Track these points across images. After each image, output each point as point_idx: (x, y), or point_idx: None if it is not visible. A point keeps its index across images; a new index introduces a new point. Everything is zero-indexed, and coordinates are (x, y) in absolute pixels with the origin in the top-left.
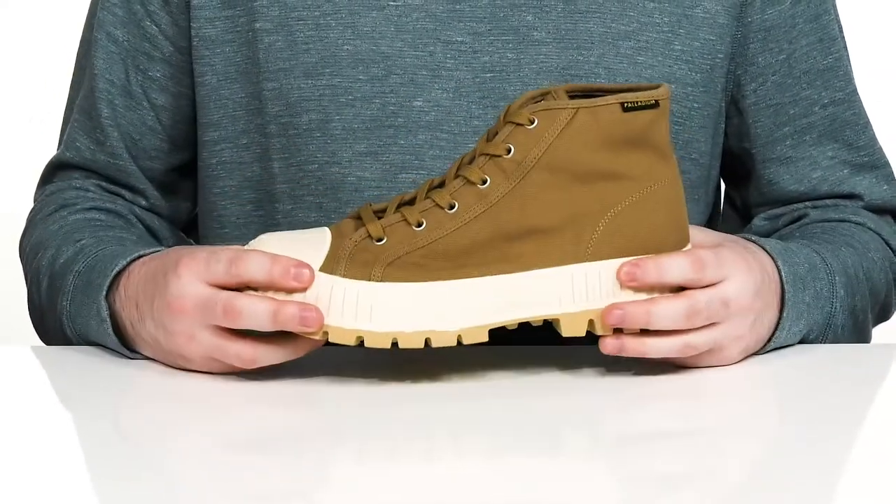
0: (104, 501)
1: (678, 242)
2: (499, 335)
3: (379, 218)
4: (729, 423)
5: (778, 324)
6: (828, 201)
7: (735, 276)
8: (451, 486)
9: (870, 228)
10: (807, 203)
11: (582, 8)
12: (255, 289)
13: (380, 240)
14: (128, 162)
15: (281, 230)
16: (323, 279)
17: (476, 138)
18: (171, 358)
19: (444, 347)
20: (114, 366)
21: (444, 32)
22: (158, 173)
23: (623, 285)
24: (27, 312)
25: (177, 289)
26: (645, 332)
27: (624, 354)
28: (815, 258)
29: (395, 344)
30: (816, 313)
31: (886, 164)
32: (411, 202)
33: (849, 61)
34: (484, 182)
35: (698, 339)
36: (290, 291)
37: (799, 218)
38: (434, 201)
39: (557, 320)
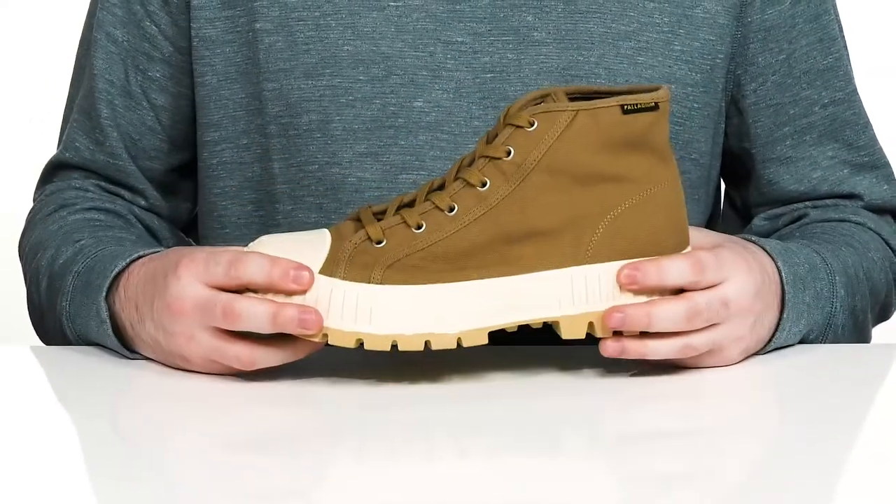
0: (103, 501)
1: (678, 244)
2: (499, 337)
3: (378, 220)
4: (729, 423)
5: (778, 324)
6: (828, 201)
7: (735, 278)
8: (450, 487)
9: (870, 228)
10: (807, 203)
11: (582, 8)
12: (255, 291)
13: (379, 242)
14: (127, 162)
15: (281, 231)
16: (322, 281)
17: (476, 139)
18: (171, 359)
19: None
20: (113, 366)
21: (445, 33)
22: (158, 173)
23: (623, 288)
24: (27, 312)
25: (176, 290)
26: (645, 334)
27: (624, 357)
28: (816, 258)
29: (394, 346)
30: (817, 313)
31: (886, 164)
32: (411, 204)
33: (849, 61)
34: (484, 184)
35: (698, 341)
36: (290, 294)
37: (799, 218)
38: (434, 203)
39: (557, 323)
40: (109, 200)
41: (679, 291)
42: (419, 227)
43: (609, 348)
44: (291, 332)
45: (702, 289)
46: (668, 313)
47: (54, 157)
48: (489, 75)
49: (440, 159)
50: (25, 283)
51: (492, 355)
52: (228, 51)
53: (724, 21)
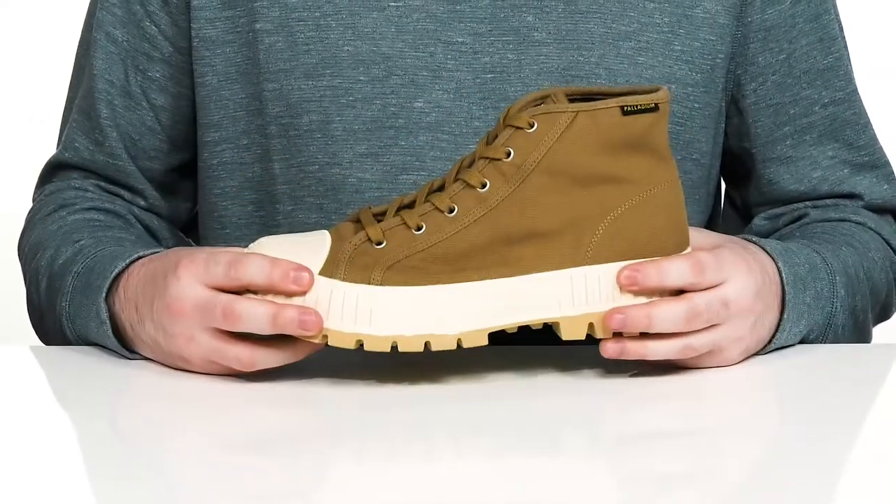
0: (102, 501)
1: (678, 245)
2: (499, 338)
3: (378, 221)
4: (729, 423)
5: (778, 325)
6: (828, 201)
7: (735, 278)
8: (450, 487)
9: (870, 228)
10: (807, 203)
11: (582, 8)
12: (255, 292)
13: (379, 243)
14: (127, 162)
15: (281, 231)
16: (322, 283)
17: (477, 139)
18: (171, 359)
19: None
20: (112, 366)
21: (445, 33)
22: (157, 173)
23: (623, 289)
24: (26, 312)
25: (176, 291)
26: (645, 335)
27: (624, 357)
28: (816, 258)
29: (394, 348)
30: (817, 314)
31: (887, 164)
32: (411, 205)
33: (849, 61)
34: (483, 186)
35: (698, 341)
36: (290, 295)
37: (799, 218)
38: (434, 205)
39: (557, 324)
40: (109, 200)
41: (679, 292)
42: (419, 229)
43: (609, 349)
44: (291, 333)
45: (702, 290)
46: (668, 314)
47: (53, 157)
48: (489, 76)
49: (440, 160)
50: (25, 283)
51: (492, 355)
52: (229, 51)
53: (725, 21)
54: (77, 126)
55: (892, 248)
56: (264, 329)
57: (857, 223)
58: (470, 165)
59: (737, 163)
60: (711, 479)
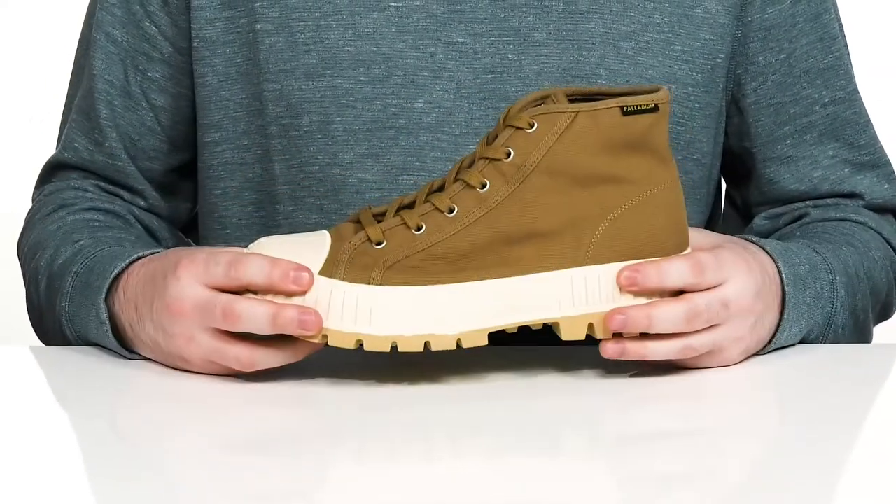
0: (102, 501)
1: (678, 246)
2: (498, 338)
3: (378, 221)
4: (729, 423)
5: (778, 325)
6: (828, 200)
7: (735, 278)
8: (450, 487)
9: (870, 227)
10: (807, 202)
11: (583, 8)
12: (255, 292)
13: (379, 243)
14: (126, 162)
15: (282, 231)
16: (322, 283)
17: (477, 139)
18: (171, 360)
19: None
20: (112, 366)
21: (445, 33)
22: (157, 174)
23: (623, 289)
24: (26, 312)
25: (176, 291)
26: (645, 336)
27: (624, 358)
28: (816, 258)
29: (394, 348)
30: (817, 314)
31: (887, 163)
32: (411, 205)
33: (849, 60)
34: (483, 186)
35: (698, 342)
36: (290, 295)
37: (799, 217)
38: (434, 205)
39: (557, 324)
40: (108, 201)
41: (679, 292)
42: (419, 229)
43: (609, 350)
44: (291, 333)
45: (702, 290)
46: (668, 315)
47: (53, 157)
48: (490, 76)
49: (441, 160)
50: (24, 283)
51: (492, 355)
52: (229, 51)
53: (725, 21)
54: (77, 126)
55: (892, 247)
56: (264, 329)
57: (857, 223)
58: (470, 165)
59: (737, 162)
60: (711, 479)
